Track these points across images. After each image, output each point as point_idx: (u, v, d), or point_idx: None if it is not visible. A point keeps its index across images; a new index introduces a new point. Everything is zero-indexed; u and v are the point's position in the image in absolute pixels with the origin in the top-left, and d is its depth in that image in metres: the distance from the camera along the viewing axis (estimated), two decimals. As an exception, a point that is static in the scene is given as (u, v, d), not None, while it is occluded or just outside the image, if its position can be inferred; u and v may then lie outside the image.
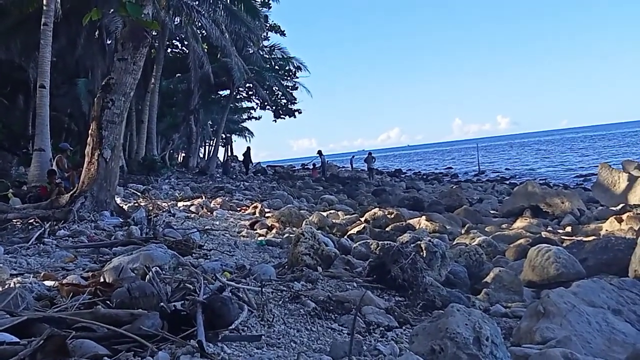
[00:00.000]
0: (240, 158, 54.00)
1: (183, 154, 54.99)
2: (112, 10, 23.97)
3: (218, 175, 39.89)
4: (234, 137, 76.35)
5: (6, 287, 5.64)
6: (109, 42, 29.38)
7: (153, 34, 15.35)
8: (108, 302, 4.79)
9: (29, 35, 22.96)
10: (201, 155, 59.36)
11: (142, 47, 12.61)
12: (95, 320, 4.16)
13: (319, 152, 45.25)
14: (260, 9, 36.59)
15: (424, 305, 6.46)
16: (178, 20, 30.99)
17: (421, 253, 7.72)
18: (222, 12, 30.31)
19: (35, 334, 3.92)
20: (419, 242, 8.31)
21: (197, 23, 30.88)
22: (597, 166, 22.53)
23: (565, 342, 4.69)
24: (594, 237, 11.76)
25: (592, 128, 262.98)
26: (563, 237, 13.42)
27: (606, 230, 13.11)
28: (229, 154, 70.61)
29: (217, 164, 47.32)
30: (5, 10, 22.91)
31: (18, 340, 3.82)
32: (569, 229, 14.84)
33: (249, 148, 47.29)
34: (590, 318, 5.31)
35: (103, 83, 12.91)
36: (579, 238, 12.45)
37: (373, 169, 44.08)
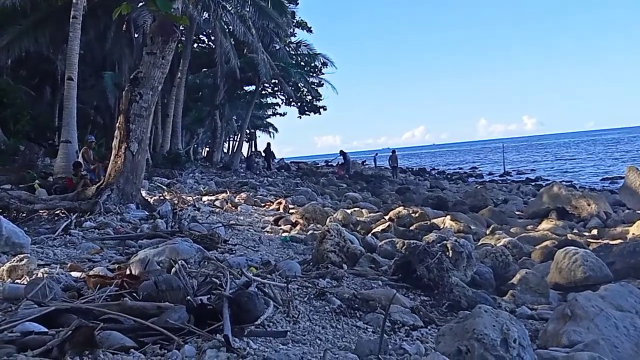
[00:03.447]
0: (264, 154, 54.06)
1: (207, 149, 55.20)
2: (140, 4, 24.09)
3: (242, 170, 39.99)
4: (258, 132, 76.60)
5: (34, 277, 5.69)
6: (136, 35, 29.54)
7: (181, 28, 15.39)
8: (135, 294, 4.81)
9: (58, 28, 23.19)
10: (225, 150, 59.55)
11: (171, 42, 12.65)
12: (123, 312, 4.18)
13: (341, 152, 45.36)
14: (288, 5, 36.66)
15: (449, 306, 6.41)
16: (206, 15, 31.04)
17: (447, 253, 7.66)
18: (250, 8, 30.36)
19: (63, 325, 3.95)
20: (445, 241, 8.26)
21: (223, 19, 30.92)
22: (625, 169, 22.29)
23: (592, 346, 4.64)
24: (620, 241, 11.63)
25: (619, 130, 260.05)
26: (589, 239, 13.27)
27: (633, 233, 12.94)
28: (253, 150, 70.76)
29: (241, 159, 47.42)
30: (35, 3, 23.11)
31: (46, 330, 3.86)
32: (595, 231, 14.66)
33: (269, 144, 47.45)
34: (618, 322, 5.25)
35: (131, 77, 12.98)
36: (605, 241, 12.30)
37: (397, 167, 43.93)
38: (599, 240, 12.84)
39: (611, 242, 11.29)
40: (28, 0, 22.24)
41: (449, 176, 53.46)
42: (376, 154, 61.30)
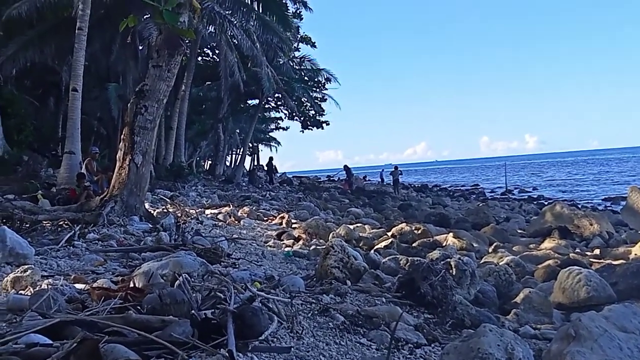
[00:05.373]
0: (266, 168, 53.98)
1: (209, 162, 55.23)
2: (146, 16, 24.17)
3: (244, 184, 40.01)
4: (260, 146, 76.72)
5: (38, 288, 5.68)
6: (141, 47, 29.63)
7: (187, 42, 15.45)
8: (139, 307, 4.81)
9: (63, 39, 23.27)
10: (227, 164, 59.59)
11: (177, 55, 12.70)
12: (127, 325, 4.18)
13: (345, 167, 45.70)
14: (292, 20, 36.75)
15: (453, 324, 6.41)
16: (211, 28, 31.12)
17: (451, 271, 7.66)
18: (255, 22, 30.44)
19: (67, 337, 3.96)
20: (448, 259, 8.26)
21: (228, 32, 30.99)
22: (627, 189, 22.28)
23: (597, 367, 4.62)
24: (623, 261, 11.61)
25: (623, 150, 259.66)
26: (591, 259, 13.24)
27: (635, 254, 12.91)
28: (256, 163, 70.79)
29: (243, 172, 47.43)
30: (41, 14, 23.18)
31: (51, 342, 3.85)
32: (597, 251, 14.63)
33: (271, 158, 47.51)
34: (621, 343, 5.22)
35: (137, 89, 13.01)
36: (608, 261, 12.27)
37: (398, 182, 43.99)
38: (602, 260, 12.80)
39: (614, 262, 11.27)
40: (34, 10, 22.29)
41: (451, 193, 53.40)
42: (382, 170, 61.17)
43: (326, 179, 68.12)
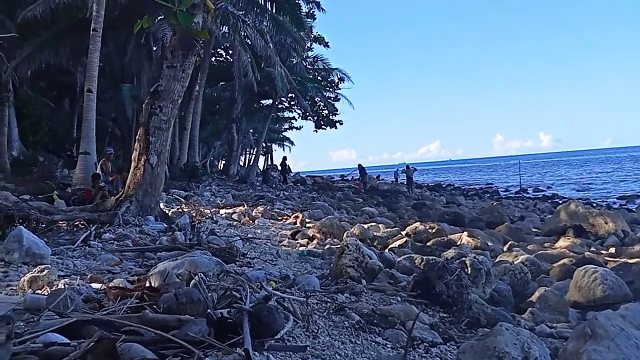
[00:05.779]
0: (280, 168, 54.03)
1: (223, 162, 55.35)
2: (160, 17, 24.22)
3: (258, 183, 40.03)
4: (274, 146, 76.91)
5: (55, 288, 5.72)
6: (155, 48, 29.71)
7: (201, 42, 15.48)
8: (155, 306, 4.83)
9: (78, 40, 23.30)
10: (241, 164, 59.72)
11: (192, 56, 12.74)
12: (143, 324, 4.20)
13: (360, 166, 45.74)
14: (305, 20, 36.75)
15: (468, 323, 6.40)
16: (225, 29, 31.14)
17: (466, 269, 7.64)
18: (269, 22, 30.47)
19: (84, 336, 3.98)
20: (463, 258, 8.24)
21: (242, 33, 31.01)
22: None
23: (613, 366, 4.60)
24: (638, 260, 11.53)
25: (637, 148, 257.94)
26: (607, 258, 13.16)
27: (651, 252, 12.86)
28: (269, 163, 70.92)
29: (257, 172, 47.49)
30: (56, 16, 23.26)
31: (68, 341, 3.87)
32: (612, 250, 14.54)
33: (285, 158, 47.59)
34: (638, 342, 5.19)
35: (152, 90, 13.05)
36: (623, 260, 12.19)
37: (412, 181, 43.89)
38: (617, 259, 12.71)
39: (630, 261, 11.18)
40: (49, 12, 22.35)
41: (464, 192, 53.13)
42: (397, 170, 61.10)
43: (340, 178, 68.13)
